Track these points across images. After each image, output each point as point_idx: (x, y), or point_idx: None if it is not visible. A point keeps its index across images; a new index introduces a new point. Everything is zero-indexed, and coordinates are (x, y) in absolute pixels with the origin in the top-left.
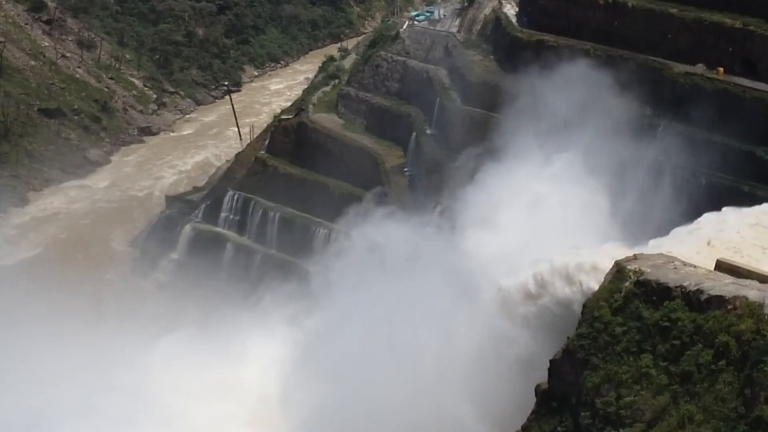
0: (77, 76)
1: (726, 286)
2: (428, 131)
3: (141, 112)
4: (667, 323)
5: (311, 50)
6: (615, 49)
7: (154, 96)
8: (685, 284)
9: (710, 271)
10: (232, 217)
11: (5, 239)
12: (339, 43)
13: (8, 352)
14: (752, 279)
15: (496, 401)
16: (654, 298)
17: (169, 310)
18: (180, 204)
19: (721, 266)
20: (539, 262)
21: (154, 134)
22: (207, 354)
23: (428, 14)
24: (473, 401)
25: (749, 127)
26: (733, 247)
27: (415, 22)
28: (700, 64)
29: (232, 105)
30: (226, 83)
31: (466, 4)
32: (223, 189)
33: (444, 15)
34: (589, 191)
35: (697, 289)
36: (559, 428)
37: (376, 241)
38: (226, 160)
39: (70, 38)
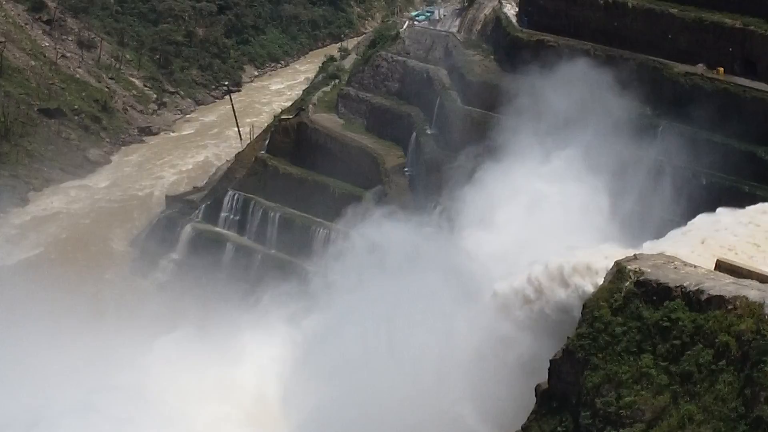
0: (77, 76)
1: (726, 286)
2: (428, 131)
3: (141, 112)
4: (667, 323)
5: (311, 50)
6: (615, 49)
7: (155, 96)
8: (685, 284)
9: (710, 271)
10: (232, 217)
11: (6, 239)
12: (339, 43)
13: (8, 351)
14: (752, 279)
15: (497, 402)
16: (654, 298)
17: (169, 309)
18: (180, 204)
19: (721, 266)
20: (533, 264)
21: (154, 134)
22: (206, 354)
23: (428, 14)
24: (473, 401)
25: (749, 127)
26: (727, 246)
27: (416, 22)
28: (701, 64)
29: (232, 105)
30: (227, 83)
31: (466, 4)
32: (223, 189)
33: (444, 15)
34: (588, 191)
35: (698, 289)
36: (559, 428)
37: (375, 241)
38: (227, 160)
39: (70, 38)
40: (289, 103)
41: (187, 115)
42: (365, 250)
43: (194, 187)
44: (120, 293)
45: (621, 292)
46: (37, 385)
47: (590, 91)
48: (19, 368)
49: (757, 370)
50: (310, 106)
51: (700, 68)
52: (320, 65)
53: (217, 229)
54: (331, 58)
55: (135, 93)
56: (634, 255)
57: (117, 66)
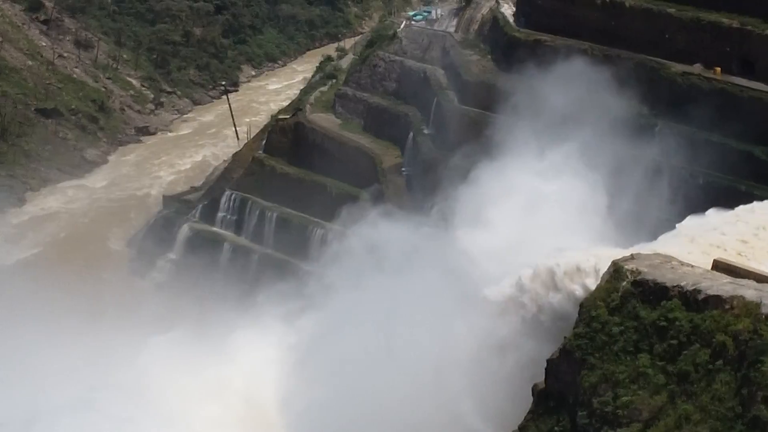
0: (74, 76)
1: (723, 285)
2: (425, 131)
3: (138, 112)
4: (664, 323)
5: (309, 50)
6: (612, 48)
7: (152, 96)
8: (682, 284)
9: (707, 271)
10: (229, 216)
11: (4, 239)
12: (336, 43)
13: (7, 351)
14: (750, 279)
15: (495, 401)
16: (651, 297)
17: (167, 309)
18: (177, 204)
19: (718, 266)
20: (522, 268)
21: (151, 134)
22: (203, 353)
23: (426, 14)
24: (473, 400)
25: (747, 127)
26: (716, 244)
27: (413, 22)
28: (698, 64)
29: (230, 105)
30: (224, 83)
31: (464, 3)
32: (220, 189)
33: (441, 15)
34: (584, 190)
35: (695, 289)
36: (556, 428)
37: (372, 241)
38: (224, 160)
39: (67, 38)
40: (287, 103)
41: (185, 115)
42: (362, 250)
43: (191, 187)
44: (118, 293)
45: (618, 292)
46: (35, 384)
47: (587, 91)
48: (18, 367)
49: (754, 370)
50: (308, 105)
51: (697, 68)
52: (317, 65)
53: (215, 228)
54: (329, 58)
55: (132, 93)
56: (631, 255)
57: (114, 66)
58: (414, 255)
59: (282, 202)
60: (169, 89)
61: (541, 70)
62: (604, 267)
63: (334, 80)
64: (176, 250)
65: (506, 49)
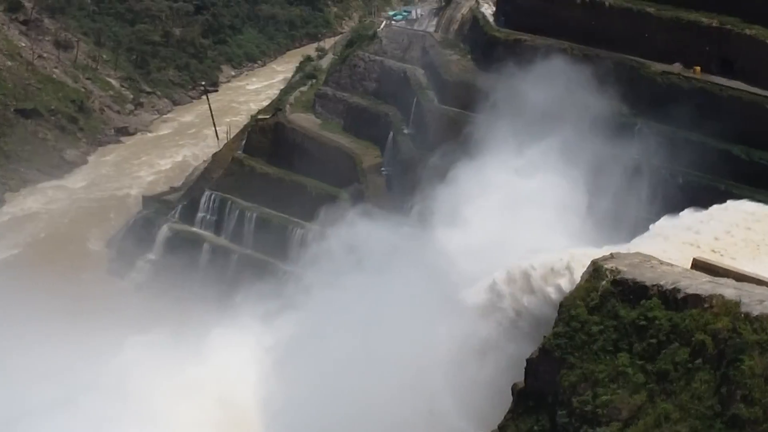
0: (54, 76)
1: (702, 284)
2: (405, 131)
3: (118, 112)
4: (643, 322)
5: (289, 50)
6: (592, 48)
7: (131, 96)
8: (661, 283)
9: (687, 270)
10: (208, 217)
11: None
12: (316, 43)
13: None
14: (729, 277)
15: (476, 400)
16: (631, 296)
17: (146, 310)
18: (157, 204)
19: (698, 265)
20: (496, 270)
21: (131, 134)
22: (182, 354)
23: (406, 14)
24: (453, 398)
25: (726, 126)
26: (689, 242)
27: (393, 22)
28: (677, 63)
29: (209, 105)
30: (204, 83)
31: (444, 3)
32: (200, 189)
33: (421, 14)
34: (564, 190)
35: (674, 288)
36: (535, 427)
37: (352, 240)
38: (203, 160)
39: (47, 38)
40: (267, 103)
41: (164, 116)
42: (342, 250)
43: (171, 188)
44: (97, 294)
45: (597, 291)
46: (14, 384)
47: (567, 91)
48: None
49: (733, 369)
50: (288, 105)
51: (677, 67)
52: (297, 65)
53: (194, 229)
54: (309, 58)
55: (112, 93)
56: (611, 254)
57: (94, 66)
58: (393, 255)
59: (262, 202)
60: (148, 89)
61: (520, 69)
62: (578, 267)
63: (314, 80)
64: (156, 250)
65: (486, 48)
